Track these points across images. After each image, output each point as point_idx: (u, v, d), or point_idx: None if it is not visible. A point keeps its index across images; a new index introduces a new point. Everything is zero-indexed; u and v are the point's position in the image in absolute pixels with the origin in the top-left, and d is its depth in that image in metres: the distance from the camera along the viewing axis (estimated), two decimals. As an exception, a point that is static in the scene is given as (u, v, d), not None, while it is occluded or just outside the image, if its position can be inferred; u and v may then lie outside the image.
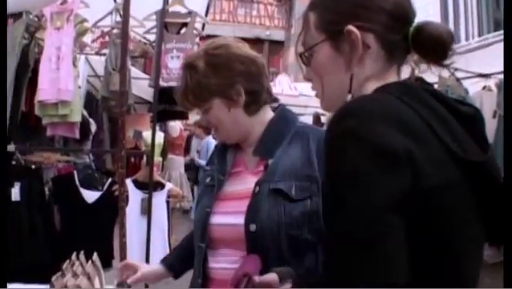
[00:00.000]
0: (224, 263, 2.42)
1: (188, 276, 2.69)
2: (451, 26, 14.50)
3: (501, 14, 16.03)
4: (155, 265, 2.87)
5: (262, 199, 2.34)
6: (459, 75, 8.66)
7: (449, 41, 1.52)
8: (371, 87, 1.55)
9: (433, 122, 1.38)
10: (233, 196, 2.49)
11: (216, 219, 2.46)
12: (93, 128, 8.92)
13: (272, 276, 2.00)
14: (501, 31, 7.88)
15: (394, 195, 1.25)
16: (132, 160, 10.31)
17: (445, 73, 7.22)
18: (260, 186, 2.37)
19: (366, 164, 1.26)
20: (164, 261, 2.84)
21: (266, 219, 2.30)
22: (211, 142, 12.21)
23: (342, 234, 1.27)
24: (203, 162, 12.16)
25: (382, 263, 1.21)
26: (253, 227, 2.30)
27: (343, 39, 1.57)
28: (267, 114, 2.59)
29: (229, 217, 2.44)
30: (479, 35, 15.03)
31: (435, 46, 1.51)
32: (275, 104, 2.67)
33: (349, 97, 1.57)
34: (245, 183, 2.48)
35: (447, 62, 1.55)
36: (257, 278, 1.98)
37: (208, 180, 2.64)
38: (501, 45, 7.93)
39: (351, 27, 1.54)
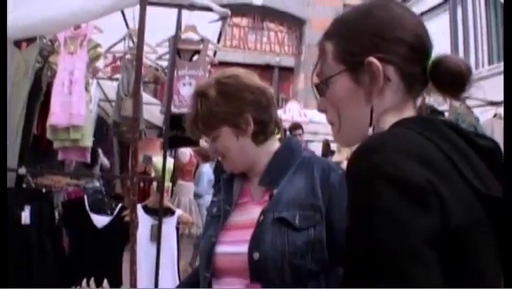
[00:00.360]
0: None
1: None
2: (461, 54, 14.50)
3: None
4: None
5: (265, 228, 2.33)
6: (470, 103, 8.67)
7: (467, 75, 1.49)
8: (389, 120, 1.53)
9: (455, 157, 1.35)
10: (238, 225, 2.48)
11: (220, 248, 2.45)
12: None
13: None
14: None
15: (426, 234, 1.21)
16: (142, 185, 10.29)
17: (456, 101, 7.24)
18: (264, 215, 2.37)
19: (396, 204, 1.22)
20: None
21: (269, 248, 2.28)
22: (205, 171, 12.22)
23: (376, 275, 1.21)
24: (197, 189, 12.48)
25: None
26: (256, 256, 2.29)
27: (362, 71, 1.53)
28: (274, 144, 2.61)
29: (233, 246, 2.43)
30: (489, 64, 15.05)
31: (453, 79, 1.49)
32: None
33: (370, 130, 1.54)
34: (250, 213, 2.47)
35: (464, 95, 1.53)
36: None
37: (214, 210, 2.64)
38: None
39: (372, 59, 1.50)
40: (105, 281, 3.17)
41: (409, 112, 1.57)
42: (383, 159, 1.28)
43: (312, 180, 2.42)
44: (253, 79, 2.58)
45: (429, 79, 1.54)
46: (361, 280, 1.25)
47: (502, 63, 8.33)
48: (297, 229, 2.31)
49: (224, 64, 6.58)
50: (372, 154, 1.31)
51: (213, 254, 2.45)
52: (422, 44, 1.56)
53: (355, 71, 1.56)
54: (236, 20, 25.55)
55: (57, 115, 5.62)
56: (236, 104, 2.48)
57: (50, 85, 5.94)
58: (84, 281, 3.04)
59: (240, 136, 2.51)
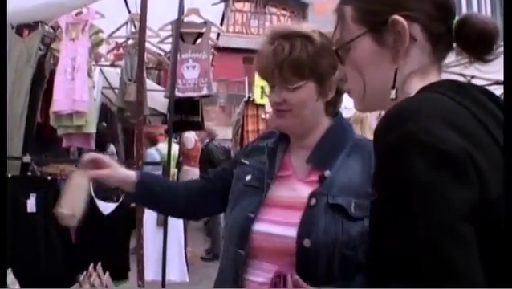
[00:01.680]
0: (261, 277, 2.20)
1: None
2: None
3: None
4: (127, 170, 2.58)
5: (318, 213, 2.15)
6: (476, 82, 8.62)
7: (494, 33, 1.41)
8: (414, 84, 1.44)
9: (489, 124, 1.27)
10: (282, 204, 2.29)
11: (261, 227, 2.24)
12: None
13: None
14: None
15: (466, 208, 1.13)
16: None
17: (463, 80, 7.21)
18: (317, 199, 2.18)
19: (433, 175, 1.13)
20: (143, 176, 2.60)
21: (322, 235, 2.11)
22: (151, 153, 11.64)
23: (411, 253, 1.13)
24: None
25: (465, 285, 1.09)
26: (307, 242, 2.10)
27: (386, 31, 1.45)
28: (328, 122, 2.41)
29: (277, 227, 2.23)
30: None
31: (480, 38, 1.41)
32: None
33: (393, 93, 1.46)
34: (294, 190, 2.30)
35: (491, 57, 1.44)
36: (292, 277, 1.93)
37: (248, 178, 2.41)
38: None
39: (397, 17, 1.42)
40: (107, 273, 3.10)
41: (434, 76, 1.49)
42: (417, 126, 1.18)
43: (369, 166, 2.22)
44: None
45: (455, 38, 1.46)
46: (393, 258, 1.18)
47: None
48: (352, 218, 2.15)
49: (226, 50, 6.54)
50: (405, 121, 1.21)
51: (250, 231, 2.25)
52: (447, 1, 1.49)
53: (379, 32, 1.47)
54: (238, 5, 25.54)
55: (60, 101, 5.60)
56: (332, 64, 2.21)
57: (52, 72, 5.90)
58: (91, 266, 3.00)
59: (320, 98, 2.32)
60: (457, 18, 1.47)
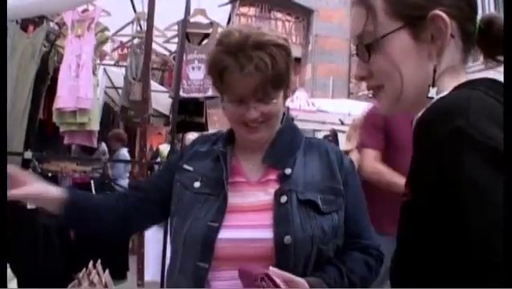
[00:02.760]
0: (227, 287, 2.10)
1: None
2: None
3: None
4: (49, 188, 2.25)
5: (292, 210, 2.11)
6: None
7: None
8: (446, 82, 1.39)
9: None
10: (245, 208, 2.18)
11: (227, 234, 2.11)
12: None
13: (300, 280, 1.92)
14: None
15: None
16: (148, 174, 10.25)
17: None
18: (287, 196, 2.13)
19: (486, 172, 1.08)
20: (71, 195, 2.28)
21: (300, 232, 2.07)
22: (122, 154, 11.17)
23: (466, 251, 1.08)
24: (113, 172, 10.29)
25: None
26: (287, 239, 2.04)
27: (425, 27, 1.39)
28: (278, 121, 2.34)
29: (247, 231, 2.12)
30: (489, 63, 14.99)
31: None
32: None
33: (433, 91, 1.39)
34: (253, 194, 2.22)
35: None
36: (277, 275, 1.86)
37: (197, 185, 2.25)
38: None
39: (439, 12, 1.36)
40: (107, 271, 3.07)
41: (463, 75, 1.45)
42: (467, 122, 1.12)
43: (329, 162, 2.27)
44: None
45: (478, 37, 1.43)
46: (440, 258, 1.13)
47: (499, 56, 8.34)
48: (323, 213, 2.14)
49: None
50: (454, 116, 1.15)
51: (214, 242, 2.09)
52: (475, 1, 1.46)
53: (417, 27, 1.41)
54: (243, 9, 25.53)
55: (64, 98, 5.58)
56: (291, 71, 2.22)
57: (56, 70, 5.89)
58: (91, 263, 2.97)
59: (284, 104, 2.30)
60: (479, 17, 1.43)
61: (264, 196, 2.18)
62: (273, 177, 2.23)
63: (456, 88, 1.35)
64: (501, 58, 1.41)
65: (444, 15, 1.36)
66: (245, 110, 2.16)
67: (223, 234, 2.10)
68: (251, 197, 2.21)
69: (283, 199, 2.13)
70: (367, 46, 1.48)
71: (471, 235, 1.06)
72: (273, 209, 2.13)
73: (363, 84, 1.60)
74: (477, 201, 1.07)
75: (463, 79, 1.42)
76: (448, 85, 1.38)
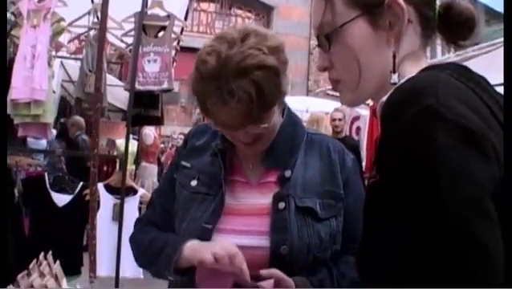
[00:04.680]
0: None
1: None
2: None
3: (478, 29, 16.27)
4: None
5: (290, 218, 2.05)
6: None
7: (476, 18, 1.41)
8: (408, 67, 1.39)
9: (494, 108, 1.23)
10: (242, 211, 2.12)
11: (224, 238, 2.03)
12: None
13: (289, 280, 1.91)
14: (480, 45, 7.97)
15: (489, 183, 1.08)
16: (105, 168, 10.18)
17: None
18: (285, 202, 2.07)
19: (459, 150, 1.07)
20: None
21: (297, 241, 2.02)
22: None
23: (441, 227, 1.06)
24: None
25: (497, 268, 1.04)
26: (284, 250, 1.99)
27: (382, 13, 1.39)
28: (280, 118, 2.20)
29: (244, 237, 2.05)
30: (455, 50, 15.18)
31: (466, 20, 1.40)
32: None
33: (394, 77, 1.38)
34: (251, 195, 2.15)
35: (469, 42, 1.44)
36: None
37: (194, 183, 2.19)
38: (480, 59, 8.08)
39: None
40: (57, 262, 3.02)
41: (424, 60, 1.46)
42: (437, 101, 1.11)
43: (330, 163, 2.19)
44: None
45: (438, 22, 1.43)
46: (414, 235, 1.10)
47: (469, 49, 8.43)
48: (320, 219, 2.09)
49: (190, 50, 6.51)
50: (423, 96, 1.14)
51: None
52: None
53: (375, 14, 1.41)
54: (203, 5, 25.52)
55: (18, 89, 5.49)
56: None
57: (12, 60, 5.79)
58: (41, 255, 2.92)
59: (279, 113, 2.16)
60: (439, 2, 1.43)
61: (262, 199, 2.12)
62: (272, 178, 2.15)
63: (424, 70, 1.35)
64: (462, 42, 1.44)
65: (400, 1, 1.36)
66: (235, 133, 2.06)
67: (218, 238, 2.04)
68: (249, 199, 2.14)
69: (281, 205, 2.07)
70: (326, 37, 1.48)
71: (445, 211, 1.05)
72: (270, 215, 2.07)
73: (322, 82, 1.59)
74: (451, 178, 1.06)
75: (424, 64, 1.42)
76: (410, 70, 1.38)
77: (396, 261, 1.13)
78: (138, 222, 2.39)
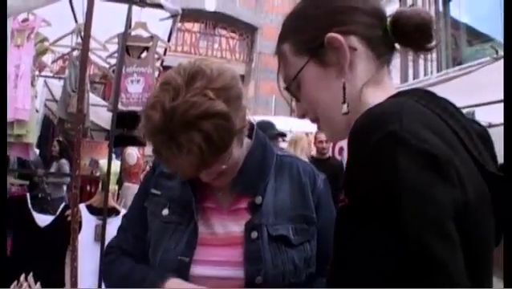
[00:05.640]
0: None
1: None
2: (410, 63, 14.70)
3: (459, 52, 16.39)
4: None
5: (263, 247, 2.04)
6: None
7: (429, 20, 1.44)
8: (371, 94, 1.43)
9: (461, 133, 1.27)
10: (215, 241, 2.10)
11: (200, 270, 2.04)
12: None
13: None
14: (461, 66, 8.07)
15: (451, 206, 1.09)
16: (88, 188, 10.14)
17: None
18: (257, 231, 2.05)
19: (420, 174, 1.08)
20: None
21: (271, 270, 2.00)
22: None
23: (403, 251, 1.07)
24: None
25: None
26: (259, 280, 1.98)
27: (326, 51, 1.46)
28: (248, 141, 2.18)
29: (220, 269, 2.04)
30: (438, 71, 15.31)
31: (417, 27, 1.43)
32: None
33: (344, 107, 1.44)
34: (224, 225, 2.12)
35: (433, 44, 1.46)
36: None
37: (165, 212, 2.15)
38: (460, 80, 8.14)
39: (331, 34, 1.43)
40: (38, 284, 3.01)
41: (388, 81, 1.51)
42: (400, 127, 1.13)
43: (301, 187, 2.18)
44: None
45: (393, 37, 1.47)
46: (377, 259, 1.12)
47: (450, 70, 8.54)
48: (293, 245, 2.08)
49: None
50: (387, 122, 1.15)
51: (187, 278, 2.01)
52: (376, 9, 1.51)
53: (320, 55, 1.48)
54: (188, 25, 25.59)
55: (1, 109, 5.48)
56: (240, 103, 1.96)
57: (-6, 80, 5.79)
58: (22, 276, 2.91)
59: (241, 143, 2.11)
60: (389, 18, 1.49)
61: (234, 226, 2.10)
62: (243, 205, 2.13)
63: (391, 97, 1.38)
64: (428, 45, 1.47)
65: (335, 35, 1.43)
66: (202, 176, 2.04)
67: (195, 270, 2.03)
68: (221, 228, 2.12)
69: (254, 235, 2.05)
70: (288, 91, 1.59)
71: (407, 235, 1.06)
72: (243, 245, 2.05)
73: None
74: (413, 202, 1.07)
75: (388, 85, 1.48)
76: (374, 95, 1.42)
77: (366, 283, 1.14)
78: (109, 252, 2.30)
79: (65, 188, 10.46)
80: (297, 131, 11.18)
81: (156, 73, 6.59)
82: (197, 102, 1.79)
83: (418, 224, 1.06)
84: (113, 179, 7.78)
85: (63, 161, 10.54)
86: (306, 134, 10.61)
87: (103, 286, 5.51)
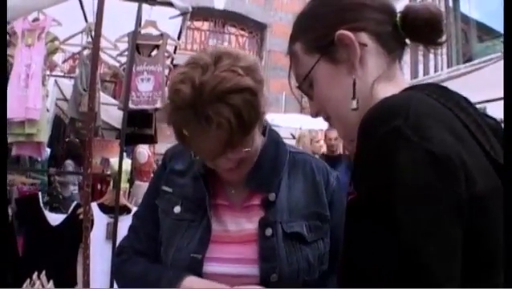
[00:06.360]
0: None
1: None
2: (420, 58, 14.61)
3: (469, 48, 16.30)
4: None
5: (278, 244, 2.02)
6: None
7: (438, 14, 1.44)
8: (383, 89, 1.43)
9: (471, 127, 1.26)
10: (228, 239, 2.08)
11: (213, 268, 2.02)
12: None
13: None
14: (472, 62, 8.02)
15: (455, 206, 1.09)
16: (99, 186, 10.15)
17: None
18: (272, 228, 2.04)
19: (425, 174, 1.08)
20: None
21: (286, 267, 1.99)
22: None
23: (393, 256, 1.08)
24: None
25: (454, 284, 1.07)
26: (274, 278, 1.97)
27: (336, 49, 1.46)
28: (261, 138, 2.15)
29: (233, 266, 2.03)
30: (448, 67, 15.23)
31: (427, 22, 1.43)
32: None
33: (354, 104, 1.44)
34: (237, 222, 2.11)
35: (443, 39, 1.46)
36: None
37: (177, 209, 2.13)
38: (471, 76, 8.10)
39: (341, 32, 1.43)
40: (51, 282, 3.01)
41: (399, 75, 1.51)
42: (405, 122, 1.13)
43: (315, 184, 2.17)
44: None
45: (403, 32, 1.47)
46: (372, 260, 1.13)
47: (461, 66, 8.49)
48: (308, 242, 2.07)
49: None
50: (394, 116, 1.16)
51: (200, 275, 2.00)
52: (385, 4, 1.51)
53: (330, 53, 1.48)
54: (197, 24, 25.51)
55: (13, 108, 5.49)
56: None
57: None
58: (35, 274, 2.92)
59: (260, 131, 2.11)
60: (398, 13, 1.49)
61: (248, 224, 2.09)
62: (256, 202, 2.12)
63: (404, 91, 1.39)
64: (439, 39, 1.47)
65: (345, 32, 1.44)
66: (216, 161, 2.00)
67: (208, 268, 2.02)
68: (234, 226, 2.11)
69: (268, 232, 2.04)
70: (301, 89, 1.60)
71: (399, 235, 1.07)
72: (258, 242, 2.04)
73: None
74: (406, 202, 1.08)
75: (400, 80, 1.49)
76: (386, 91, 1.40)
77: (374, 276, 1.14)
78: (121, 251, 2.28)
79: (71, 187, 10.51)
80: (307, 128, 11.18)
81: (167, 71, 6.59)
82: (227, 77, 1.81)
83: (410, 225, 1.07)
84: (124, 177, 7.79)
85: (68, 162, 10.56)
86: (310, 132, 10.60)
87: (115, 285, 5.54)
